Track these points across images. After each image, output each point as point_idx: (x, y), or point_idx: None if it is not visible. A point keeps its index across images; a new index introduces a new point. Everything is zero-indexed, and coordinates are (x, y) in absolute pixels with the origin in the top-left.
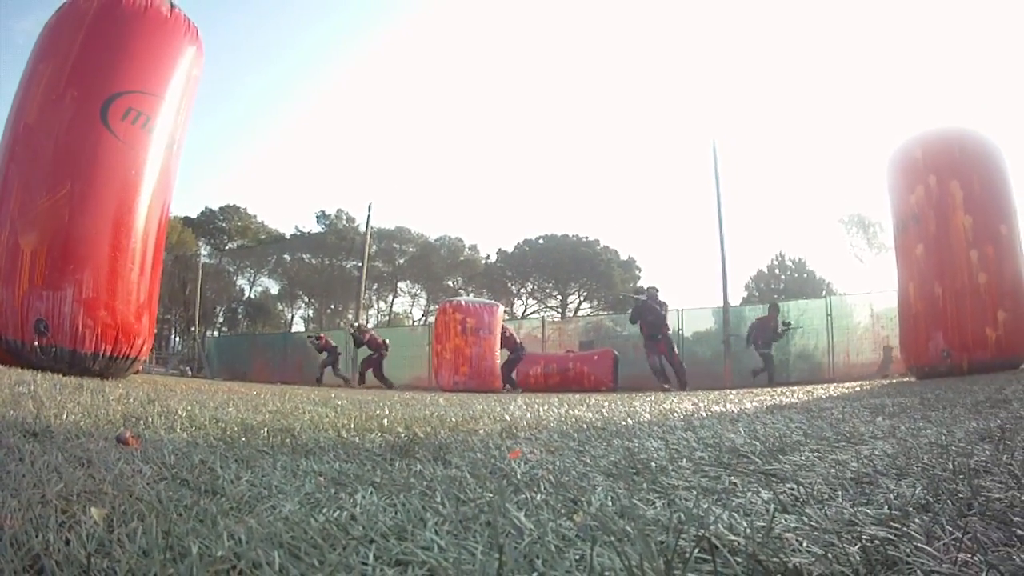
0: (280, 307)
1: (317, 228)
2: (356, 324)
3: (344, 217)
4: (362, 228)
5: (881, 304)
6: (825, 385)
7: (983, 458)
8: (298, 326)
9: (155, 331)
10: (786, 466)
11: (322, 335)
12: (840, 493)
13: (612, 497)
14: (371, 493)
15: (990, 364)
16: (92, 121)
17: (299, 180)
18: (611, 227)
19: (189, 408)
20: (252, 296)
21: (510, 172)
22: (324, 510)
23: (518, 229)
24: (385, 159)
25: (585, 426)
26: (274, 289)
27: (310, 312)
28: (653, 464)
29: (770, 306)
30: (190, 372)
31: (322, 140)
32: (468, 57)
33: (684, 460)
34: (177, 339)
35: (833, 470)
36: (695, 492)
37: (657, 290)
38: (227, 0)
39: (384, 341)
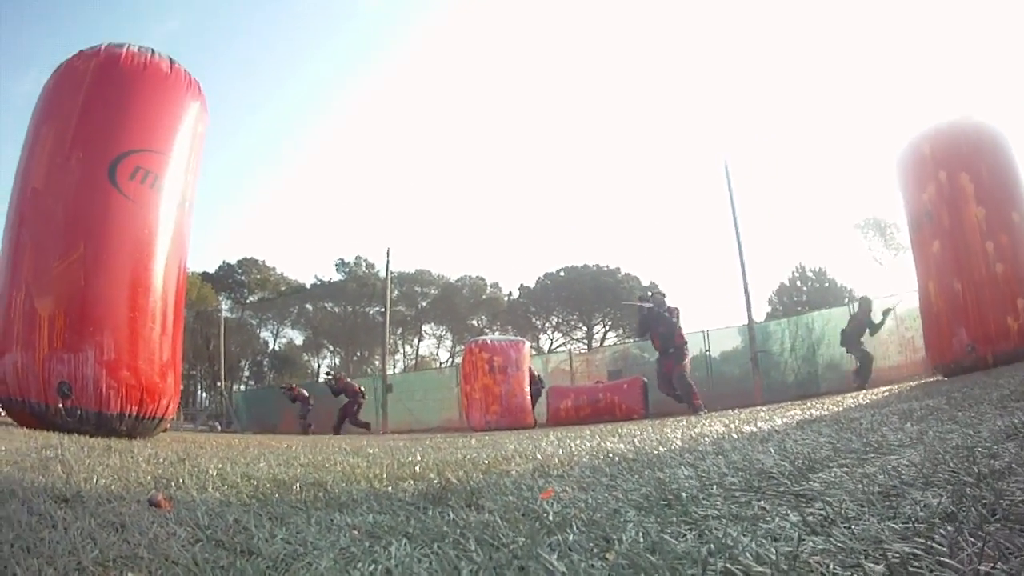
0: (305, 357)
1: (337, 276)
2: (331, 373)
3: (364, 264)
4: (382, 274)
5: (903, 306)
6: (855, 393)
7: (1007, 458)
8: (325, 374)
9: (181, 388)
10: (815, 485)
11: (294, 385)
12: (867, 509)
13: (643, 532)
14: (405, 544)
15: (1014, 354)
16: (100, 182)
17: (315, 229)
18: (630, 254)
19: (220, 466)
20: (277, 348)
21: (526, 207)
22: (359, 564)
23: (538, 263)
24: (401, 203)
25: (617, 458)
26: (298, 340)
27: (336, 361)
28: (684, 494)
29: (859, 304)
30: (219, 427)
31: (335, 188)
32: (478, 90)
33: (715, 487)
34: (204, 395)
35: (861, 485)
36: (725, 521)
37: (664, 295)
38: (231, 53)
39: (360, 388)
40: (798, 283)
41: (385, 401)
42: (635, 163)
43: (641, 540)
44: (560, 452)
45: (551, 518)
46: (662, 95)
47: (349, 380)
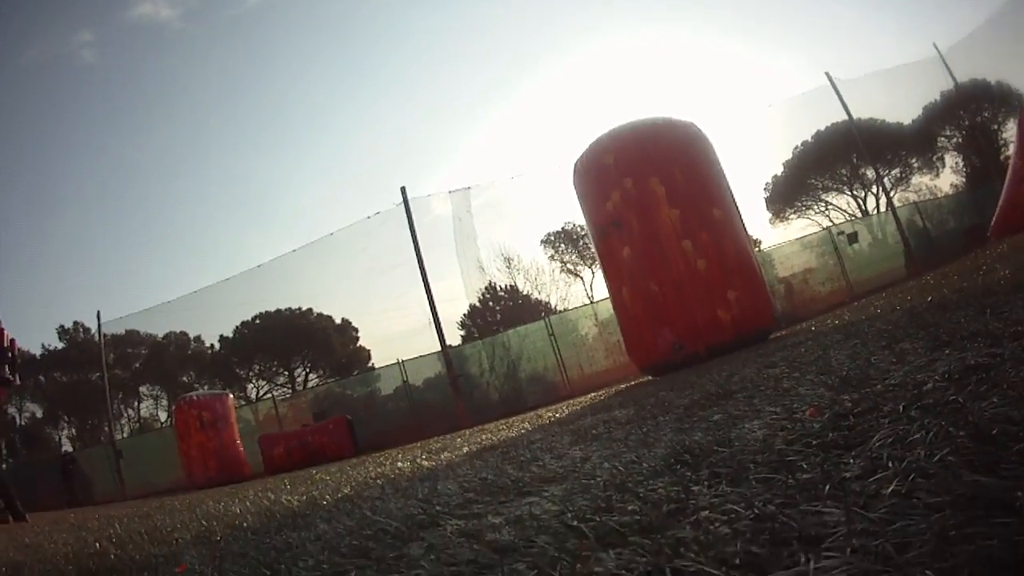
0: (48, 430)
1: (61, 344)
2: None
3: (81, 329)
4: (97, 338)
5: (606, 311)
6: (557, 405)
7: (648, 502)
8: (66, 446)
9: None
10: (418, 550)
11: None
12: None
13: None
14: None
15: (732, 343)
16: None
17: (37, 292)
18: (319, 293)
19: None
20: (22, 423)
21: (212, 255)
22: None
23: (234, 312)
24: (109, 267)
25: (260, 522)
26: (39, 413)
27: (73, 431)
28: (283, 566)
29: None
30: None
31: (43, 248)
32: (179, 140)
33: (326, 553)
34: None
35: (464, 550)
36: None
37: None
38: None
39: None
40: (490, 303)
41: (119, 467)
42: (314, 194)
43: None
44: (222, 512)
45: None
46: (340, 133)
47: None
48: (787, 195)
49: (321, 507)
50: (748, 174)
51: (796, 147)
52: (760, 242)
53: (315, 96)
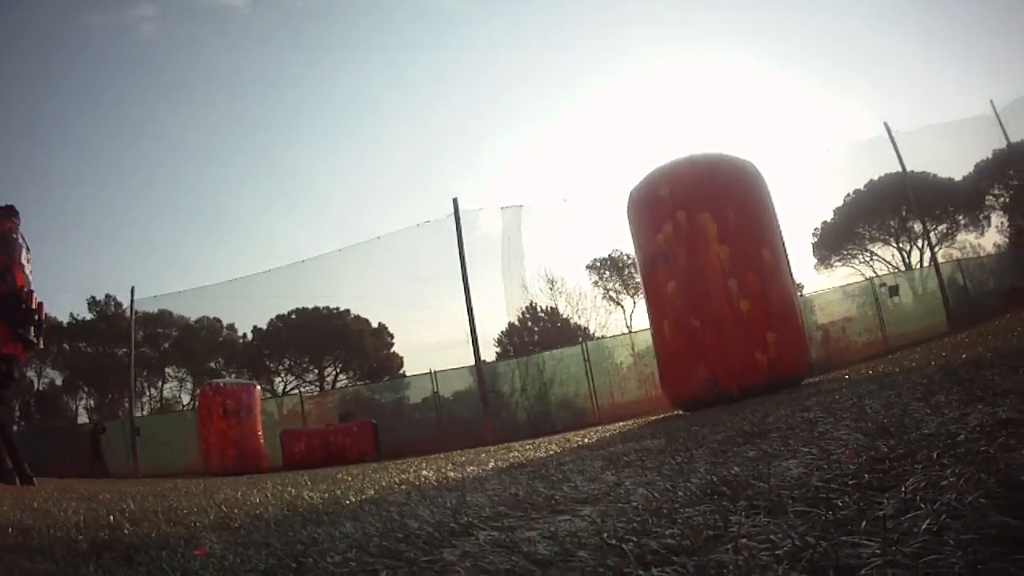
0: (65, 399)
1: (89, 315)
2: None
3: (112, 303)
4: (128, 313)
5: (643, 342)
6: (585, 430)
7: (689, 528)
8: (82, 417)
9: None
10: (452, 555)
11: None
12: None
13: None
14: None
15: (766, 386)
16: None
17: (68, 264)
18: (358, 296)
19: None
20: (40, 388)
21: (254, 245)
22: None
23: (270, 305)
24: (144, 242)
25: (282, 514)
26: (59, 380)
27: (91, 402)
28: (310, 559)
29: None
30: None
31: (81, 222)
32: (214, 135)
33: (354, 551)
34: None
35: (500, 557)
36: None
37: None
38: None
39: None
40: (529, 323)
41: (134, 444)
42: (360, 198)
43: None
44: (258, 501)
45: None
46: (396, 137)
47: None
48: (835, 242)
49: (345, 506)
50: (799, 216)
51: (848, 194)
52: (803, 287)
53: (370, 94)
